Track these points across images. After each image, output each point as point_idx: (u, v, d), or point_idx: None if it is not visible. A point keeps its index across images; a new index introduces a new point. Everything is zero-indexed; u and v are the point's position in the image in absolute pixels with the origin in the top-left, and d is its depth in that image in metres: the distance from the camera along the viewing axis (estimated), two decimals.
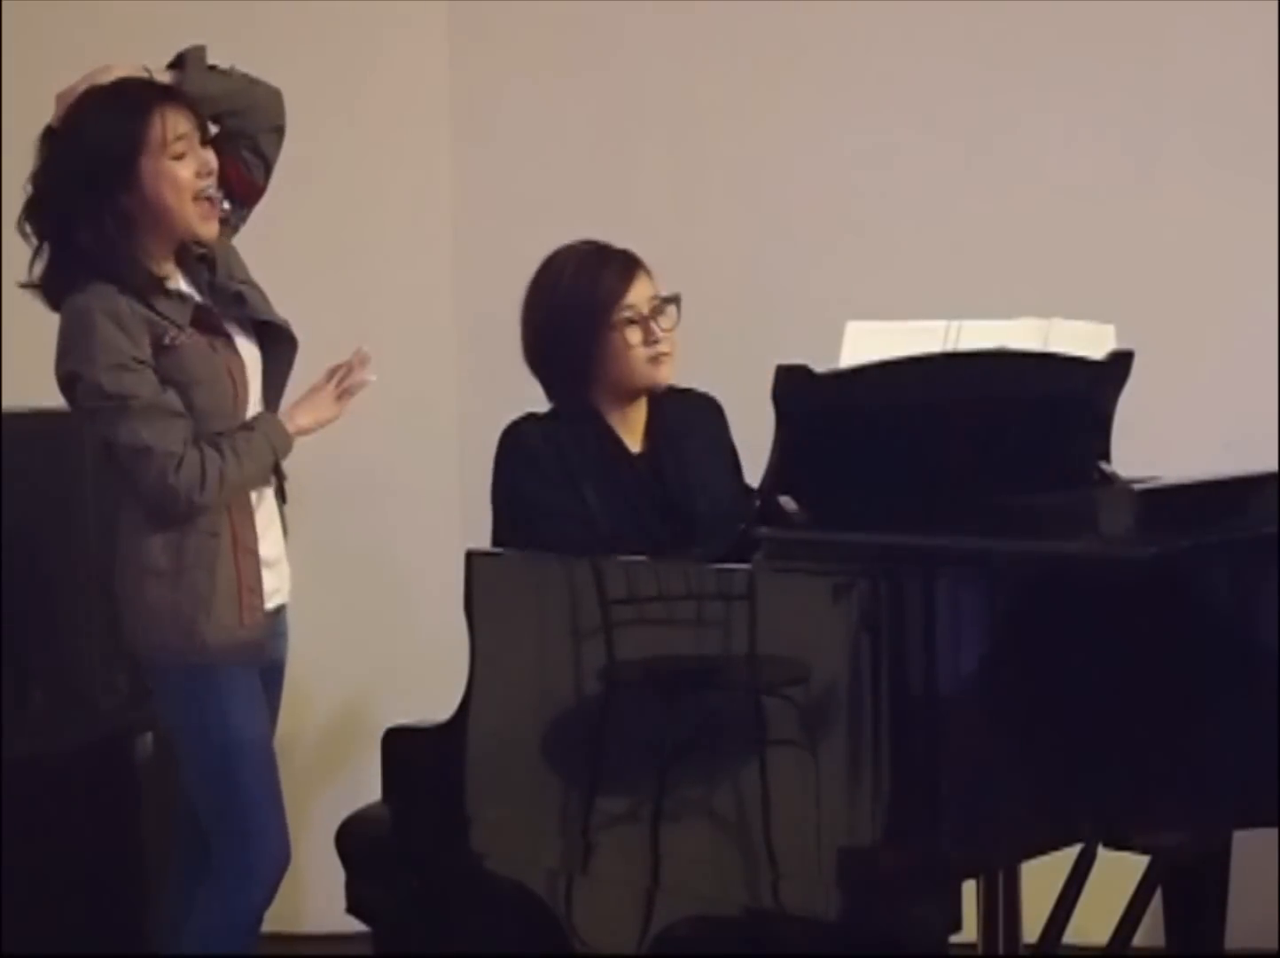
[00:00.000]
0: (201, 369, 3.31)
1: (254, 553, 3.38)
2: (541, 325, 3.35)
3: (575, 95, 4.62)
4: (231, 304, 3.42)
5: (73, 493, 3.88)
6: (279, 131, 3.53)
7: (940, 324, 3.01)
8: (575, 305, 3.32)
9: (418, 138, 4.68)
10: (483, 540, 3.20)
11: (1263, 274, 4.29)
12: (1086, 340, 3.19)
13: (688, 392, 3.44)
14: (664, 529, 3.24)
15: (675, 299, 3.36)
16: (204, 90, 3.40)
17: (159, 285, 3.31)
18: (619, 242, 3.40)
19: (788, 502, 2.87)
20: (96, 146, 3.25)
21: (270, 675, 3.49)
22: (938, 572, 2.66)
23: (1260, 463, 3.10)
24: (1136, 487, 2.87)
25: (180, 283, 3.39)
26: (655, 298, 3.35)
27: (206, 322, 3.35)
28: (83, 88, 3.31)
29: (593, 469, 3.27)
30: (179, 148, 3.26)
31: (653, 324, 3.33)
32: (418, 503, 4.61)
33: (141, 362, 3.25)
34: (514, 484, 3.26)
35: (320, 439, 3.48)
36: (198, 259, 3.42)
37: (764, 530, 2.86)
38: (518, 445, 3.29)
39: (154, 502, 3.30)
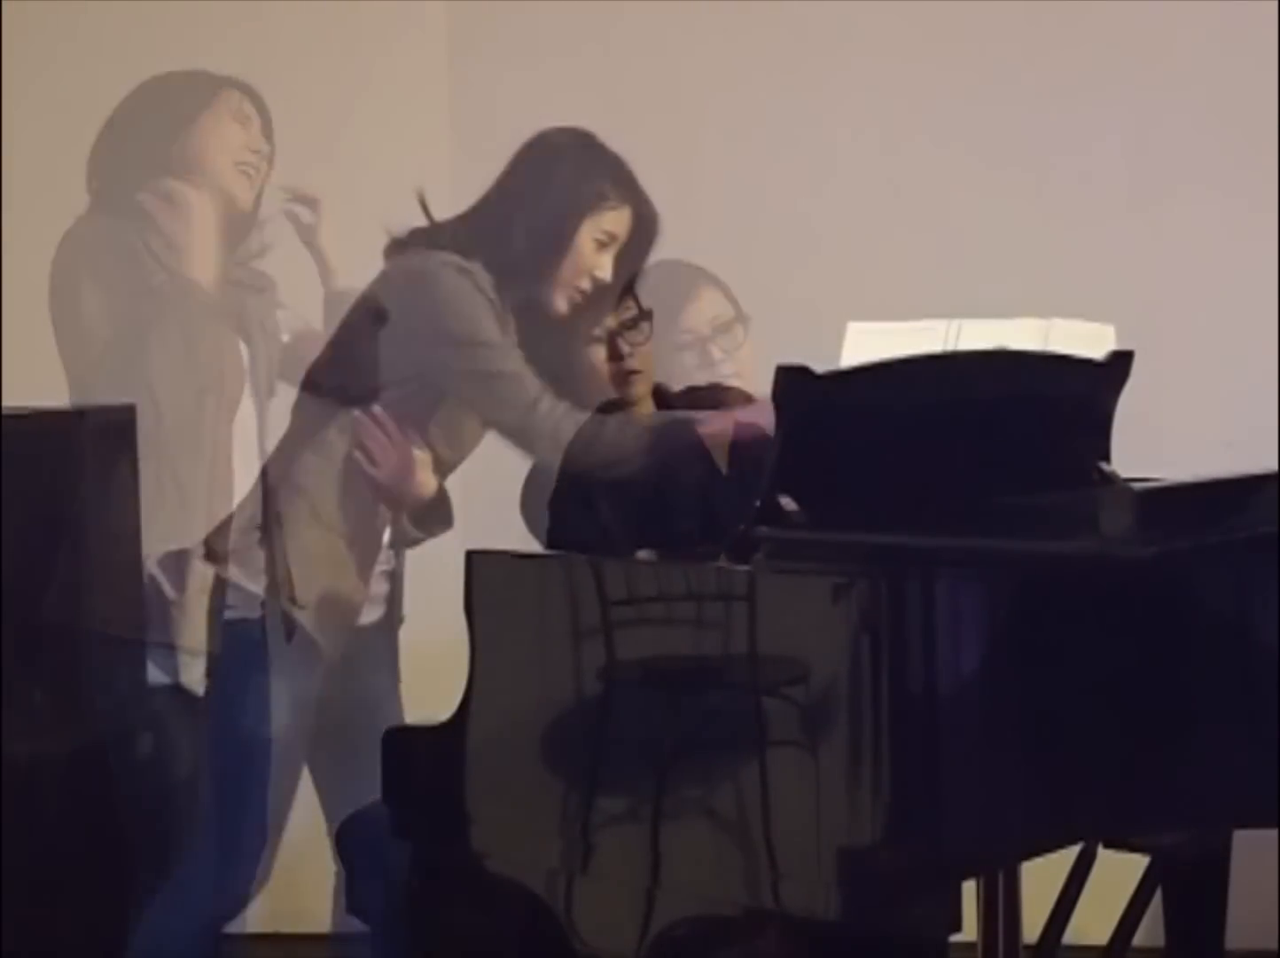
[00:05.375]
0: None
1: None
2: None
3: (575, 95, 4.62)
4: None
5: (73, 493, 3.87)
6: (443, 525, 3.66)
7: (940, 324, 3.01)
8: None
9: (418, 137, 4.68)
10: (483, 540, 3.19)
11: (1263, 274, 4.29)
12: (1086, 340, 3.19)
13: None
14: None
15: (648, 314, 3.33)
16: None
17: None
18: None
19: (788, 502, 2.87)
20: None
21: None
22: (938, 572, 2.66)
23: (1260, 463, 3.09)
24: (1136, 487, 2.87)
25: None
26: (628, 309, 3.31)
27: None
28: None
29: None
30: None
31: (619, 341, 3.29)
32: None
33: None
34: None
35: None
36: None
37: (764, 530, 2.86)
38: None
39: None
